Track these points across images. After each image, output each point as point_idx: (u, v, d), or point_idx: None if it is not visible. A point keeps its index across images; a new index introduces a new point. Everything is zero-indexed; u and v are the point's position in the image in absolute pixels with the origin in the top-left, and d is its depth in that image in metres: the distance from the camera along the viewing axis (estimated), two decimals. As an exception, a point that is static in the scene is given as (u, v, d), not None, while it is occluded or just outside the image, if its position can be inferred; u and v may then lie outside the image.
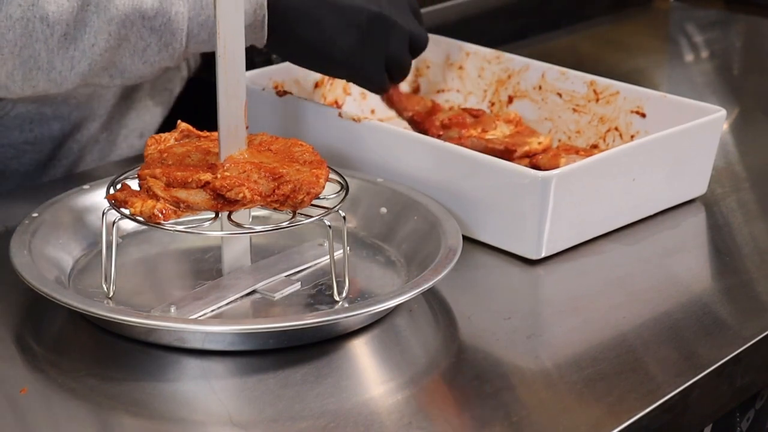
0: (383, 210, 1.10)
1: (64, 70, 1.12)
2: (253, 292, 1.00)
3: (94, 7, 1.10)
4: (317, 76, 1.32)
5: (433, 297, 1.01)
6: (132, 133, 1.38)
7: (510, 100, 1.33)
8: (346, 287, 0.98)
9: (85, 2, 1.10)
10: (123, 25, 1.11)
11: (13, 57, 1.10)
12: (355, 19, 1.15)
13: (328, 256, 1.02)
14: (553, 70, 1.30)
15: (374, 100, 1.37)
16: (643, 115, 1.23)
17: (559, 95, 1.30)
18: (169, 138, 1.02)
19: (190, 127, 1.03)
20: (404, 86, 1.39)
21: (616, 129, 1.25)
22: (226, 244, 1.01)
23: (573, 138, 1.28)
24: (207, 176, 0.94)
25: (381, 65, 1.18)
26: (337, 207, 0.97)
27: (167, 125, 1.41)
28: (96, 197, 1.07)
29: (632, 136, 1.24)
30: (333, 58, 1.16)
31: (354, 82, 1.21)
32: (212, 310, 0.96)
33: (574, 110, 1.28)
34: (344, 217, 0.97)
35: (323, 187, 0.95)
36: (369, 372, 0.94)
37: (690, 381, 0.91)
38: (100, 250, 0.98)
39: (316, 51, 1.16)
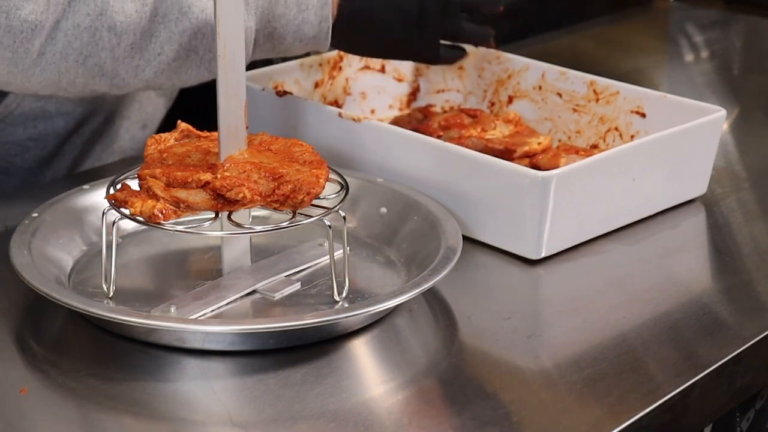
0: (383, 210, 1.10)
1: (128, 77, 1.13)
2: (253, 292, 1.00)
3: (162, 17, 1.10)
4: (317, 76, 1.32)
5: (433, 297, 1.01)
6: (134, 124, 1.38)
7: (510, 100, 1.33)
8: (346, 287, 0.98)
9: (153, 12, 1.10)
10: (194, 37, 1.12)
11: (77, 65, 1.10)
12: (409, 11, 1.20)
13: (328, 256, 1.02)
14: (553, 70, 1.30)
15: (374, 99, 1.37)
16: (643, 115, 1.24)
17: (559, 95, 1.30)
18: (169, 138, 1.02)
19: (190, 127, 1.03)
20: (404, 87, 1.39)
21: (616, 129, 1.25)
22: (226, 244, 1.01)
23: (573, 138, 1.28)
24: (207, 176, 0.94)
25: (437, 43, 1.23)
26: (337, 207, 0.97)
27: (171, 117, 1.41)
28: (96, 197, 1.07)
29: (632, 136, 1.24)
30: (392, 49, 1.23)
31: (413, 60, 1.29)
32: (212, 310, 0.96)
33: (574, 110, 1.28)
34: (344, 217, 0.97)
35: (323, 187, 0.95)
36: (369, 372, 0.94)
37: (690, 381, 0.91)
38: (100, 250, 0.98)
39: (377, 45, 1.22)
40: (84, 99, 1.30)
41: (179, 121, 1.04)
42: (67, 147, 1.33)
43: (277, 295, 0.99)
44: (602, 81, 1.27)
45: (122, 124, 1.37)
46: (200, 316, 0.95)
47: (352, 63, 1.35)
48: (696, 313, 1.01)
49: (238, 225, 0.95)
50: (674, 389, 0.90)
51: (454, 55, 1.27)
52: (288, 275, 1.02)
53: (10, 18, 1.06)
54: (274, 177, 0.95)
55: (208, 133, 1.03)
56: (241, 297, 0.99)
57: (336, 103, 1.34)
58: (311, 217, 0.96)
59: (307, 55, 1.46)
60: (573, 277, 1.07)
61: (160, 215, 0.93)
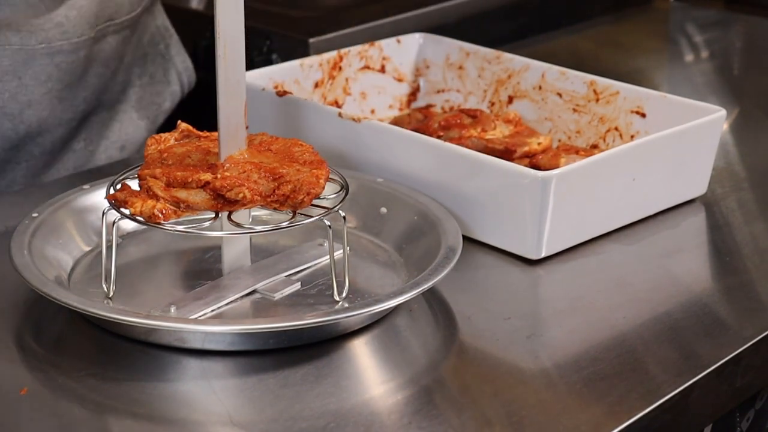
0: (383, 210, 1.10)
1: None
2: (253, 292, 1.00)
3: None
4: (317, 76, 1.32)
5: (433, 297, 1.01)
6: (113, 144, 1.37)
7: (510, 100, 1.33)
8: (346, 287, 0.98)
9: None
10: None
11: None
12: None
13: (328, 256, 1.02)
14: (553, 70, 1.30)
15: (374, 99, 1.37)
16: (643, 115, 1.24)
17: (559, 95, 1.30)
18: (169, 138, 1.02)
19: (190, 127, 1.03)
20: (404, 87, 1.39)
21: (616, 129, 1.25)
22: (226, 244, 1.01)
23: (573, 138, 1.28)
24: (207, 176, 0.94)
25: None
26: (337, 207, 0.97)
27: (171, 116, 1.41)
28: (96, 197, 1.07)
29: (632, 136, 1.24)
30: None
31: None
32: (212, 310, 0.96)
33: (574, 110, 1.28)
34: (344, 217, 0.97)
35: (323, 188, 0.95)
36: (369, 372, 0.95)
37: (690, 381, 0.91)
38: (100, 250, 0.98)
39: None
40: (34, 102, 1.26)
41: (179, 121, 1.04)
42: (22, 155, 1.29)
43: (277, 295, 0.99)
44: (602, 81, 1.27)
45: (100, 143, 1.35)
46: (200, 316, 0.95)
47: (352, 63, 1.35)
48: (696, 313, 1.01)
49: (238, 225, 0.95)
50: (674, 389, 0.90)
51: None
52: (288, 275, 1.02)
53: None
54: (274, 177, 0.95)
55: (208, 133, 1.03)
56: (241, 297, 0.99)
57: (336, 103, 1.34)
58: (311, 217, 0.96)
59: (307, 54, 1.46)
60: (573, 277, 1.07)
61: (160, 215, 0.93)
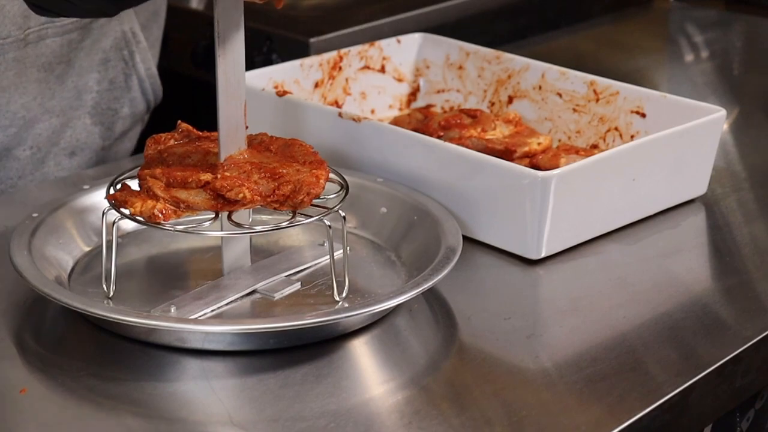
0: (383, 210, 1.10)
1: None
2: (253, 292, 1.00)
3: None
4: (317, 76, 1.32)
5: (433, 297, 1.01)
6: (63, 151, 1.32)
7: (510, 100, 1.33)
8: (346, 287, 0.98)
9: None
10: None
11: None
12: None
13: (328, 256, 1.02)
14: (553, 70, 1.30)
15: (374, 99, 1.37)
16: (643, 115, 1.24)
17: (559, 95, 1.30)
18: (169, 138, 1.02)
19: (190, 127, 1.03)
20: (404, 87, 1.39)
21: (616, 129, 1.25)
22: (226, 244, 1.01)
23: (573, 138, 1.28)
24: (207, 176, 0.94)
25: None
26: (337, 207, 0.97)
27: (170, 117, 1.39)
28: (96, 197, 1.07)
29: (632, 136, 1.24)
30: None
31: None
32: (212, 310, 0.96)
33: (574, 110, 1.28)
34: (344, 217, 0.97)
35: (323, 188, 0.95)
36: (369, 372, 0.95)
37: (690, 381, 0.91)
38: (100, 250, 0.98)
39: None
40: None
41: (179, 121, 1.04)
42: None
43: (277, 295, 0.99)
44: (602, 81, 1.27)
45: (50, 150, 1.30)
46: (200, 316, 0.95)
47: (352, 63, 1.35)
48: (696, 313, 1.01)
49: (238, 225, 0.95)
50: (674, 389, 0.90)
51: None
52: (288, 275, 1.02)
53: None
54: (274, 177, 0.95)
55: (208, 133, 1.03)
56: (241, 297, 0.99)
57: (336, 103, 1.34)
58: (311, 217, 0.96)
59: (307, 54, 1.46)
60: (573, 277, 1.07)
61: (160, 215, 0.93)
